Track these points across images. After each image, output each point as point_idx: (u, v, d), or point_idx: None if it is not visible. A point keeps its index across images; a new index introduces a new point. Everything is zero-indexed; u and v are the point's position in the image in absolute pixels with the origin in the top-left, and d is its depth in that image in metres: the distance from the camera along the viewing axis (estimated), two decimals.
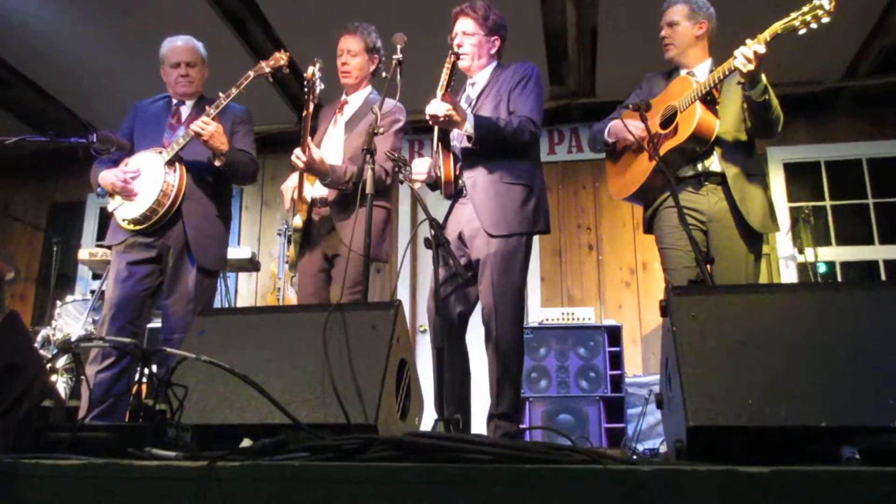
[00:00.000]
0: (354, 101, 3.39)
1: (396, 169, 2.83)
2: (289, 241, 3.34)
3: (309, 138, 3.12)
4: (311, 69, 3.07)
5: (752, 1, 4.19)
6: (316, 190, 3.25)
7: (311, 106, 3.13)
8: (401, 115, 3.27)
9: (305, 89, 3.10)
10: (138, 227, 3.18)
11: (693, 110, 2.82)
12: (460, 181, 3.00)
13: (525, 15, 4.66)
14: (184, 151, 3.22)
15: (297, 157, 3.07)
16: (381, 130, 2.73)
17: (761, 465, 1.09)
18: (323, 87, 3.14)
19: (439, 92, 2.85)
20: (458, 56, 2.93)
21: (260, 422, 1.68)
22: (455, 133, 3.05)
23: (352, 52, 3.30)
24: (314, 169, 3.08)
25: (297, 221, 3.23)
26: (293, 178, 3.28)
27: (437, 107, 2.81)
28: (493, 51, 3.12)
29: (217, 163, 3.19)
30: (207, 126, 3.09)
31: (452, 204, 3.08)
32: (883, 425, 1.40)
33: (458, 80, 2.98)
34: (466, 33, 3.06)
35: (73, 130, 5.60)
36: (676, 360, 1.58)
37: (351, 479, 1.09)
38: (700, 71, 3.01)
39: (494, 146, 2.89)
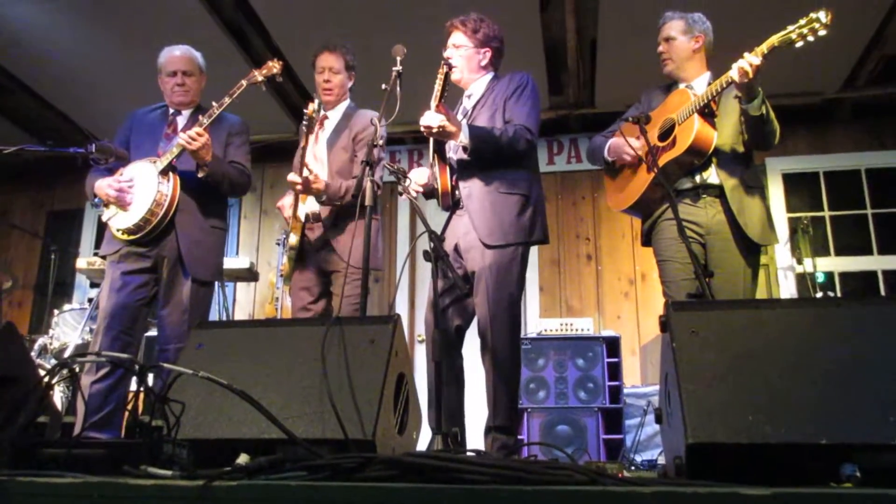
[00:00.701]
0: (334, 117, 3.48)
1: (395, 180, 2.82)
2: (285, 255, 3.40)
3: (306, 161, 3.20)
4: (311, 106, 3.13)
5: (749, 15, 4.21)
6: (308, 206, 3.33)
7: (309, 139, 3.24)
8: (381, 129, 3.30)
9: (305, 123, 3.18)
10: (132, 238, 3.16)
11: (691, 123, 2.83)
12: (456, 192, 3.00)
13: (525, 26, 4.67)
14: (178, 161, 3.20)
15: (292, 180, 3.18)
16: (381, 142, 2.73)
17: (761, 482, 1.08)
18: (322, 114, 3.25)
19: (433, 103, 2.84)
20: (450, 66, 2.93)
21: (257, 437, 1.67)
22: (451, 144, 3.04)
23: (334, 70, 3.42)
24: (310, 190, 3.17)
25: (293, 239, 3.31)
26: (290, 195, 3.35)
27: (430, 118, 2.81)
28: (485, 62, 3.12)
29: (200, 174, 3.18)
30: (199, 138, 3.07)
31: (449, 216, 3.08)
32: (884, 443, 1.39)
33: (453, 92, 2.98)
34: (457, 46, 3.08)
35: (72, 138, 5.62)
36: (676, 375, 1.57)
37: (348, 500, 1.08)
38: (698, 84, 3.01)
39: (491, 156, 2.88)
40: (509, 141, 2.86)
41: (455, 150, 3.02)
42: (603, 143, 3.18)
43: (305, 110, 3.15)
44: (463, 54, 3.06)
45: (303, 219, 3.34)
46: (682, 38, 3.02)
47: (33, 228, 6.70)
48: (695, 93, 2.92)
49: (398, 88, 2.87)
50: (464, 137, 2.83)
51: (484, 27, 3.08)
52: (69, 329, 4.65)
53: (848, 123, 5.83)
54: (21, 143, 3.57)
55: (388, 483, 1.13)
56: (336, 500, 1.08)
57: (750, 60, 2.61)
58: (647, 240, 3.12)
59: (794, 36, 2.57)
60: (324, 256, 3.30)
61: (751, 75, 2.61)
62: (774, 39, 2.61)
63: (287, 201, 3.38)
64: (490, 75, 3.14)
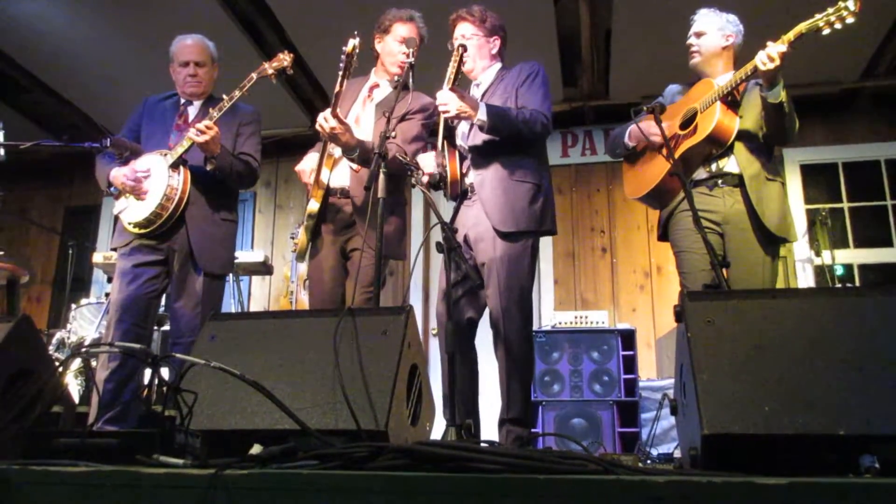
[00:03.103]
0: (385, 87, 3.25)
1: (409, 173, 2.77)
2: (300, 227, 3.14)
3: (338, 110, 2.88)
4: (351, 42, 2.78)
5: (772, 9, 4.15)
6: (335, 178, 3.11)
7: (345, 83, 2.88)
8: (435, 111, 3.11)
9: (342, 63, 2.81)
10: (143, 231, 3.16)
11: (713, 110, 2.82)
12: (466, 181, 2.98)
13: (538, 17, 4.64)
14: (189, 154, 3.16)
15: (325, 119, 2.83)
16: (395, 135, 2.70)
17: (778, 474, 1.06)
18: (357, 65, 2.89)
19: (446, 85, 2.83)
20: (465, 48, 2.91)
21: (270, 427, 1.67)
22: (460, 132, 3.03)
23: (413, 44, 3.01)
24: (340, 139, 2.87)
25: (313, 206, 3.05)
26: (309, 160, 3.16)
27: (447, 97, 2.79)
28: (495, 51, 3.12)
29: (208, 166, 3.15)
30: (208, 131, 3.02)
31: (458, 207, 3.06)
32: None
33: (461, 82, 2.96)
34: (466, 36, 3.05)
35: (89, 134, 5.65)
36: (691, 366, 1.55)
37: (360, 488, 1.08)
38: (722, 82, 2.98)
39: (507, 134, 2.86)
40: (525, 121, 2.84)
41: (465, 137, 3.00)
42: (622, 132, 3.17)
43: (345, 48, 2.77)
44: (474, 43, 3.04)
45: (326, 185, 3.06)
46: (713, 33, 3.02)
47: (51, 224, 6.76)
48: (719, 83, 2.90)
49: (411, 80, 2.86)
50: (481, 115, 2.80)
51: (490, 16, 3.08)
52: (86, 323, 4.69)
53: (867, 113, 5.74)
54: (37, 140, 3.57)
55: (399, 472, 1.12)
56: (347, 489, 1.08)
57: (777, 49, 2.60)
58: (663, 232, 3.10)
59: (821, 23, 2.58)
60: (346, 235, 3.10)
61: (777, 62, 2.60)
62: (802, 27, 2.61)
63: (307, 165, 3.14)
64: (499, 65, 3.14)
